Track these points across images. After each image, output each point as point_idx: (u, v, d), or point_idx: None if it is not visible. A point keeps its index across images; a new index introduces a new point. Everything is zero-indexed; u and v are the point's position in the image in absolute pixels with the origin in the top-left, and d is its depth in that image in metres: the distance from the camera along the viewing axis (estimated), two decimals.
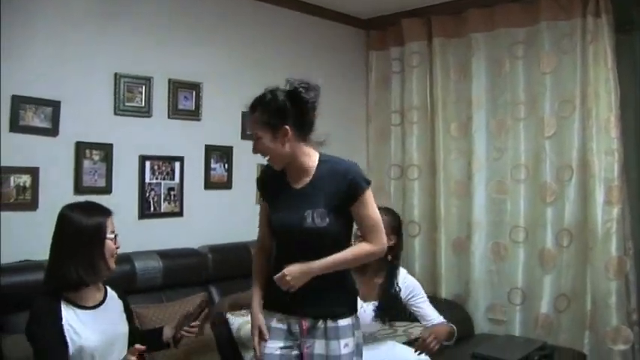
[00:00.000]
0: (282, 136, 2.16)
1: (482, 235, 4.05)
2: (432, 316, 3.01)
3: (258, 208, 3.76)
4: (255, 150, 2.25)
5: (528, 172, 3.90)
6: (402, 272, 3.02)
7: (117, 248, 2.29)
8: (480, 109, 4.06)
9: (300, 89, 2.17)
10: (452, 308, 3.95)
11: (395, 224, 2.96)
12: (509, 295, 3.96)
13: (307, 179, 2.24)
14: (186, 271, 3.29)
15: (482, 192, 4.05)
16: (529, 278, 3.90)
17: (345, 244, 2.26)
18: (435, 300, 4.05)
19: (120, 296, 2.43)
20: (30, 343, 2.15)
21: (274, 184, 2.30)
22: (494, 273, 4.03)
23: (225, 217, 3.72)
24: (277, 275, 2.18)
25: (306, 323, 2.22)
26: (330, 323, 2.21)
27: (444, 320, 3.01)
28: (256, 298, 2.31)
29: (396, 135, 4.50)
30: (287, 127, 2.16)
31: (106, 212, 2.28)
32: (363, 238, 2.26)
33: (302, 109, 2.19)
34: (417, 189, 4.36)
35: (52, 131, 2.97)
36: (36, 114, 2.91)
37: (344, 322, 2.22)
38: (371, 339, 3.02)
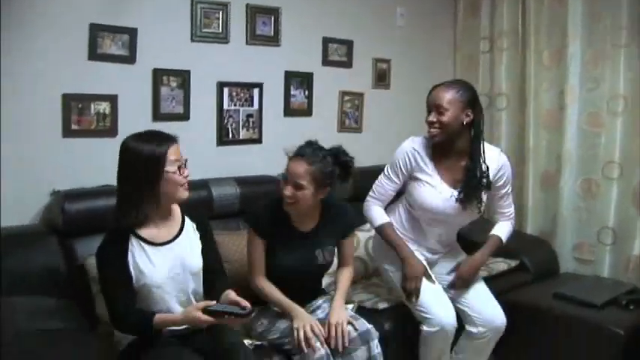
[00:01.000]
0: (322, 194, 2.50)
1: (572, 170, 3.83)
2: (504, 210, 2.88)
3: (339, 135, 3.82)
4: (293, 197, 2.44)
5: (627, 103, 3.61)
6: (495, 151, 2.80)
7: (186, 176, 2.22)
8: (575, 36, 3.75)
9: (350, 162, 2.54)
10: (537, 245, 3.85)
11: (469, 97, 2.68)
12: (598, 235, 3.76)
13: (314, 222, 2.60)
14: (263, 198, 3.29)
15: (574, 124, 3.79)
16: (621, 217, 3.68)
17: None
18: (519, 235, 3.97)
19: (198, 228, 2.38)
20: (97, 269, 2.23)
21: (275, 226, 2.53)
22: (583, 210, 3.83)
23: None
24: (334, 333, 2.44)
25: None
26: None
27: (512, 221, 2.94)
28: (293, 304, 2.50)
29: (485, 63, 4.27)
30: (330, 188, 2.51)
31: (169, 139, 2.20)
32: (342, 263, 2.73)
33: (347, 176, 2.56)
34: (504, 120, 4.16)
35: (130, 59, 2.98)
36: (113, 42, 2.92)
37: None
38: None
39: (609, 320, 2.97)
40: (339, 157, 2.51)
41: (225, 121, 3.37)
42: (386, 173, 2.85)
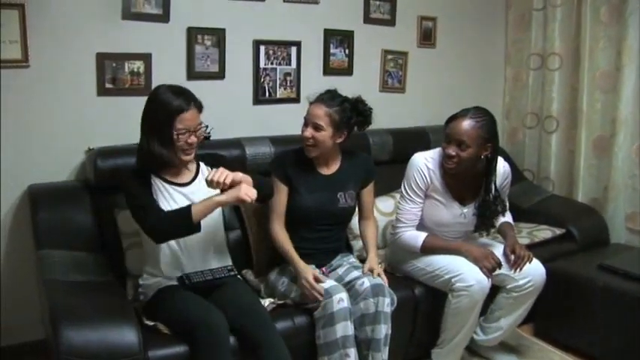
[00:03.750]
0: (340, 137, 2.64)
1: (627, 135, 3.60)
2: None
3: (381, 95, 3.77)
4: (312, 138, 2.58)
5: None
6: (500, 162, 2.79)
7: (190, 143, 2.29)
8: None
9: (368, 111, 2.67)
10: (586, 213, 3.68)
11: (491, 131, 2.65)
12: None
13: (335, 167, 2.74)
14: None
15: (631, 86, 3.55)
16: None
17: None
18: (568, 203, 3.81)
19: (214, 166, 2.43)
20: (123, 190, 2.34)
21: (298, 170, 2.68)
22: (637, 178, 3.60)
23: None
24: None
25: (326, 270, 2.71)
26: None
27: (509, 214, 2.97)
28: (298, 258, 2.56)
29: (538, 20, 4.04)
30: (347, 133, 2.65)
31: (189, 104, 2.27)
32: (365, 216, 2.84)
33: (364, 124, 2.70)
34: (557, 80, 3.94)
35: (164, 17, 2.98)
36: (147, 0, 2.92)
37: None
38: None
39: None
40: (357, 105, 2.65)
41: (262, 79, 3.33)
42: (406, 196, 2.79)
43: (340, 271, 2.67)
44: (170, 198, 2.33)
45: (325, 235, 2.71)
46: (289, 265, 2.61)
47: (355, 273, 2.60)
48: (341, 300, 2.39)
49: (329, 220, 2.71)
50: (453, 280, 2.62)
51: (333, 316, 2.37)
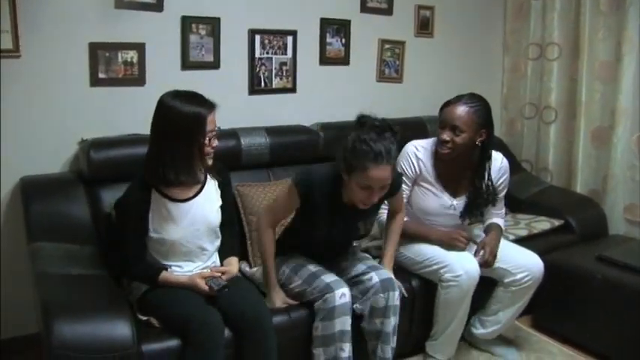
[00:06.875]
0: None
1: (627, 126, 3.56)
2: (498, 210, 2.88)
3: (378, 85, 3.74)
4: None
5: None
6: (498, 158, 2.79)
7: (214, 147, 2.29)
8: None
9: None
10: (585, 204, 3.66)
11: (485, 117, 2.65)
12: None
13: None
14: (295, 148, 3.21)
15: (631, 77, 3.51)
16: None
17: None
18: (566, 194, 3.79)
19: (220, 186, 2.47)
20: (115, 213, 2.36)
21: (324, 199, 2.39)
22: (637, 169, 3.57)
23: (342, 94, 3.57)
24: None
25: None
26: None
27: (502, 220, 2.91)
28: (274, 278, 2.51)
29: (536, 10, 4.00)
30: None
31: (209, 106, 2.24)
32: (395, 210, 2.65)
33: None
34: (556, 70, 3.91)
35: (157, 6, 2.93)
36: None
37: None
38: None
39: None
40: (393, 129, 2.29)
41: (257, 69, 3.29)
42: None
43: (343, 264, 2.63)
44: (169, 216, 2.29)
45: (337, 250, 2.67)
46: (291, 255, 2.58)
47: (361, 266, 2.57)
48: (343, 295, 2.37)
49: (344, 245, 2.68)
50: (441, 270, 2.62)
51: (334, 310, 2.35)
